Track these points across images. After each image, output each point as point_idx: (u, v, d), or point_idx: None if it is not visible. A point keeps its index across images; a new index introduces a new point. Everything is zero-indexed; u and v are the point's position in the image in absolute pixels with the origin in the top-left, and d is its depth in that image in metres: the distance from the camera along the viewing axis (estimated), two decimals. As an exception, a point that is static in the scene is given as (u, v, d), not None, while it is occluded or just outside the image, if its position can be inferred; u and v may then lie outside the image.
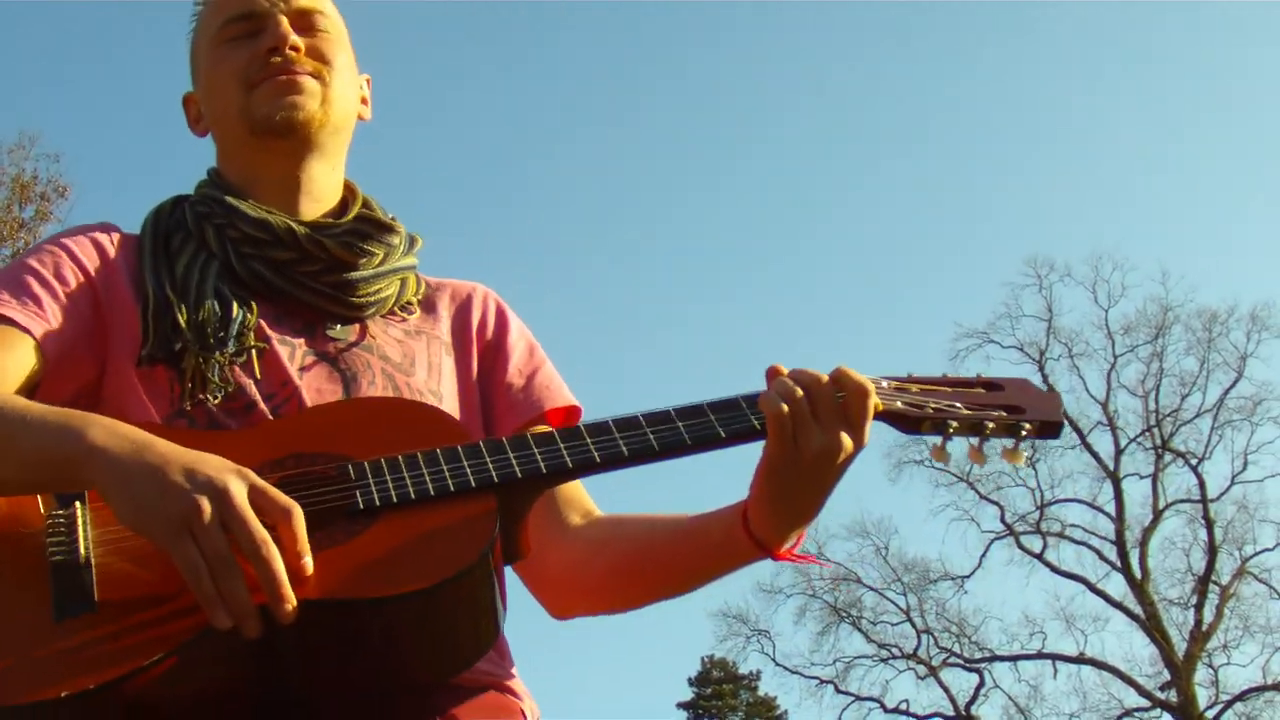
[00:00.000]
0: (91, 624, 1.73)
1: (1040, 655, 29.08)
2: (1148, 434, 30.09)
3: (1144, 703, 27.87)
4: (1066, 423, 2.32)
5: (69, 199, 20.64)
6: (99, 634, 1.71)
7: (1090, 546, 29.49)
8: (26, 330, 2.04)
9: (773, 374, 1.97)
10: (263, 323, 2.15)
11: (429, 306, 2.36)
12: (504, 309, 2.43)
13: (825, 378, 1.94)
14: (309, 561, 1.73)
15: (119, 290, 2.17)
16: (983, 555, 30.07)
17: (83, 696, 1.65)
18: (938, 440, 2.05)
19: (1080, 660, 28.58)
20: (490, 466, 1.91)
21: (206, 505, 1.68)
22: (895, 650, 30.24)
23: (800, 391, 1.92)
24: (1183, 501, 29.69)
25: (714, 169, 49.93)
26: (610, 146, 52.72)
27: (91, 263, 2.19)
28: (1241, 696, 27.31)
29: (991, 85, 48.44)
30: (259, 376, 2.10)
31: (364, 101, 2.43)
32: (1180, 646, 27.51)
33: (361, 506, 1.85)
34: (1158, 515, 29.35)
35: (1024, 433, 2.05)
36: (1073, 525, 29.96)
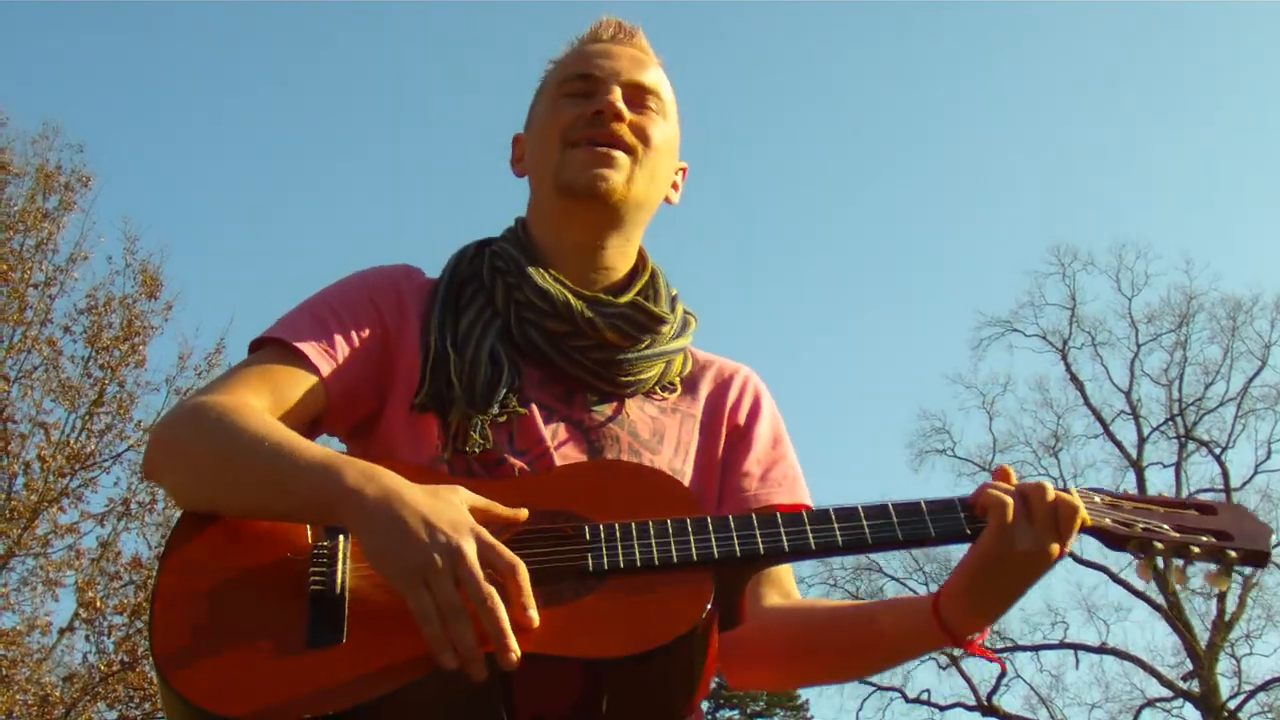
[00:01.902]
0: (337, 656, 1.90)
1: (1062, 645, 28.98)
2: (1171, 423, 29.98)
3: (1166, 693, 27.78)
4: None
5: (92, 189, 20.70)
6: (343, 664, 1.89)
7: (1113, 536, 29.37)
8: (315, 369, 2.23)
9: (1001, 474, 2.15)
10: (527, 386, 2.30)
11: (690, 385, 2.47)
12: (760, 396, 2.53)
13: (1052, 492, 2.11)
14: (534, 615, 1.88)
15: (408, 335, 2.34)
16: (1005, 545, 29.97)
17: None
18: (1143, 557, 2.15)
19: (1102, 650, 28.49)
20: (714, 543, 2.04)
21: (439, 559, 1.85)
22: (917, 640, 30.18)
23: (1026, 495, 2.10)
24: (1206, 490, 29.48)
25: (733, 154, 49.88)
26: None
27: (387, 305, 2.35)
28: (1265, 686, 27.18)
29: (1014, 73, 48.33)
30: (514, 436, 2.25)
31: (675, 187, 2.54)
32: (1203, 636, 27.41)
33: (590, 569, 1.99)
34: (1181, 505, 29.22)
35: (1229, 560, 2.14)
36: (1095, 515, 29.84)
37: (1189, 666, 27.32)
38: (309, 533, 2.06)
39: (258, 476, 2.03)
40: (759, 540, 2.06)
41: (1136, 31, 48.39)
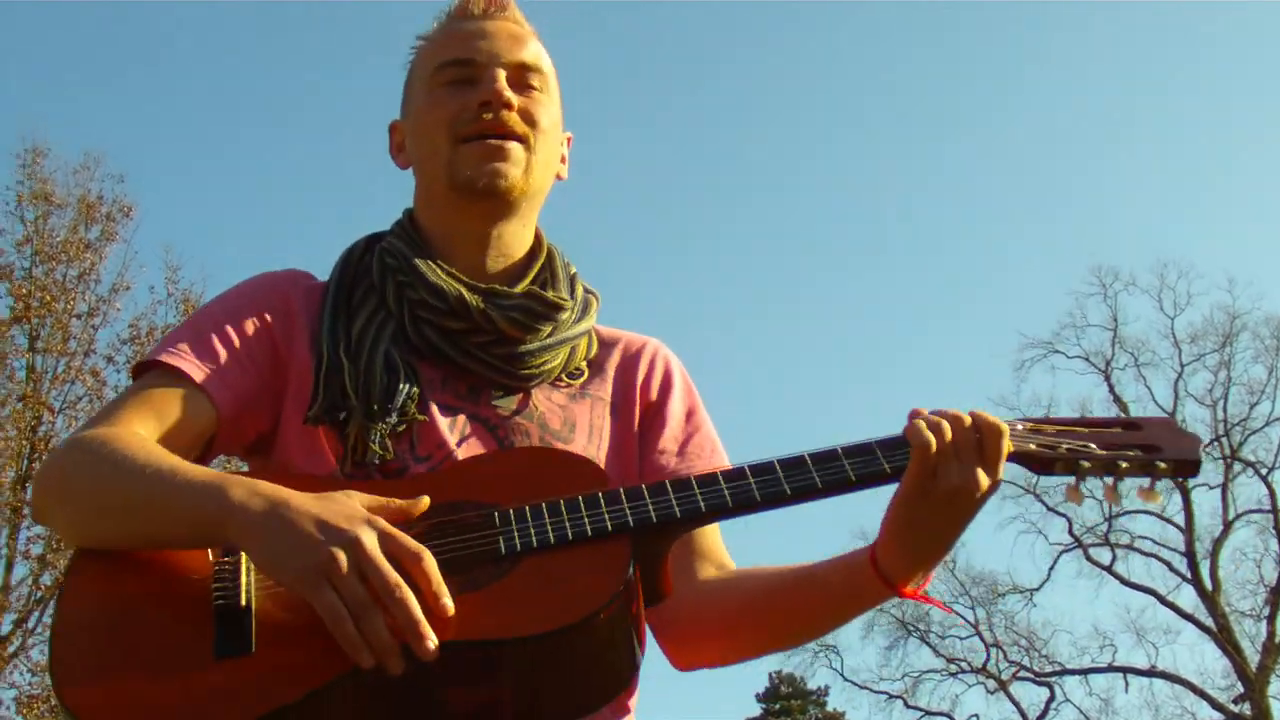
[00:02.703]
0: (248, 664, 1.86)
1: (1111, 668, 28.82)
2: (1216, 443, 29.72)
3: (1217, 716, 27.53)
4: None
5: (134, 219, 20.89)
6: (254, 673, 1.85)
7: (1160, 558, 29.21)
8: (201, 388, 2.16)
9: (915, 414, 2.03)
10: (427, 387, 2.22)
11: (598, 366, 2.39)
12: (671, 369, 2.45)
13: (966, 417, 2.01)
14: (448, 603, 1.84)
15: (299, 344, 2.25)
16: (1051, 567, 29.89)
17: None
18: (1071, 480, 2.08)
19: (1152, 673, 28.29)
20: (627, 511, 1.99)
21: (341, 555, 1.80)
22: (964, 664, 30.09)
23: (946, 426, 1.99)
24: (1253, 512, 29.35)
25: (776, 170, 49.91)
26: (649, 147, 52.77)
27: (275, 315, 2.27)
28: (1317, 709, 26.91)
29: (1055, 91, 48.20)
30: (415, 444, 2.18)
31: (563, 160, 2.44)
32: (1253, 658, 27.16)
33: (504, 552, 1.95)
34: (1228, 526, 29.01)
35: (1159, 471, 2.06)
36: (1142, 537, 29.70)
37: (1240, 689, 27.07)
38: (209, 550, 1.99)
39: (142, 504, 1.97)
40: (674, 504, 2.01)
41: (1180, 51, 48.24)
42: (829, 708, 40.64)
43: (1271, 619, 27.72)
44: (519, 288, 2.29)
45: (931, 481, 1.98)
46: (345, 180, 49.68)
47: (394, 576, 1.79)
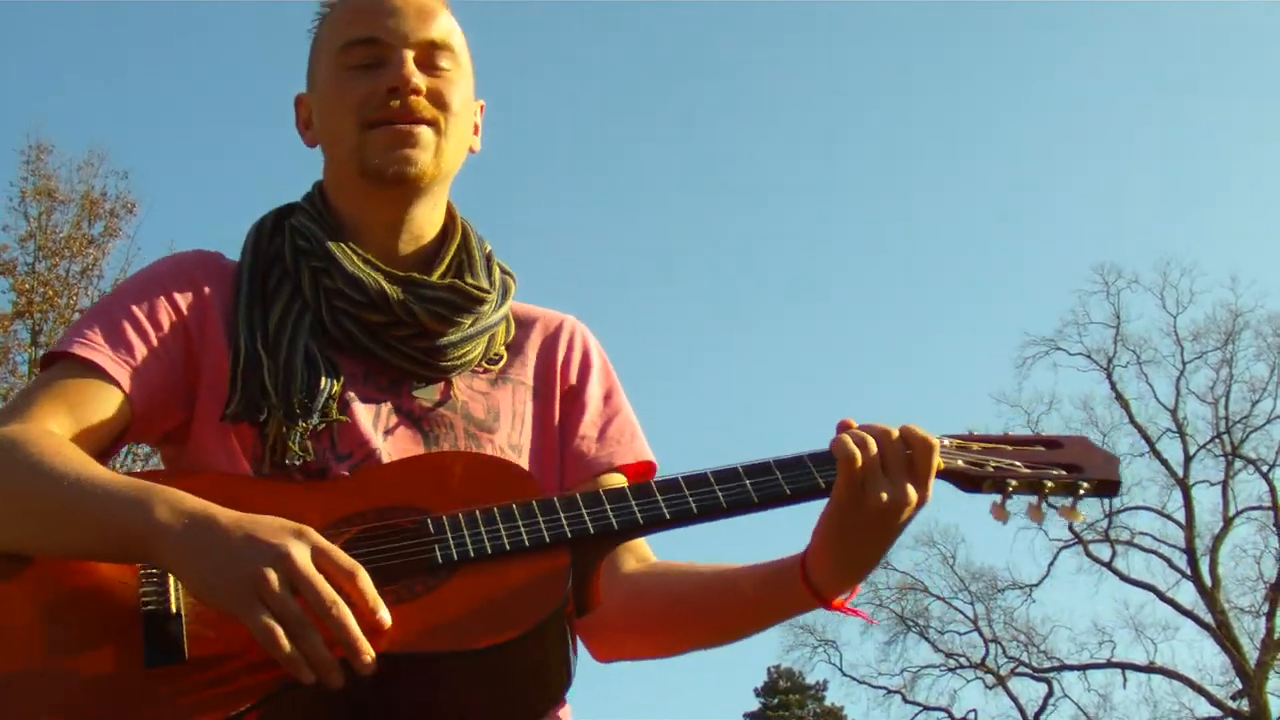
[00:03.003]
0: (181, 674, 1.79)
1: (1110, 664, 28.85)
2: (1217, 440, 29.81)
3: (1216, 712, 27.59)
4: (1122, 482, 2.35)
5: (137, 215, 20.85)
6: (187, 684, 1.78)
7: (1160, 554, 29.27)
8: (115, 381, 2.08)
9: (843, 426, 2.00)
10: (348, 382, 2.16)
11: (516, 348, 2.34)
12: (589, 350, 2.41)
13: (895, 431, 1.98)
14: (385, 616, 1.79)
15: (212, 331, 2.18)
16: (1051, 563, 29.93)
17: None
18: (998, 499, 2.07)
19: (1150, 669, 28.34)
20: (564, 522, 1.96)
21: (272, 573, 1.74)
22: (963, 659, 30.12)
23: (872, 441, 1.96)
24: (1253, 509, 29.40)
25: (778, 167, 49.89)
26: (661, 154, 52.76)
27: (186, 301, 2.19)
28: (1316, 706, 26.97)
29: (1059, 90, 48.16)
30: (336, 442, 2.12)
31: (475, 131, 2.37)
32: (1252, 655, 27.21)
33: (440, 561, 1.90)
34: (1228, 522, 29.06)
35: (1081, 491, 2.08)
36: (1142, 533, 29.74)
37: (1238, 685, 27.12)
38: None
39: (59, 515, 1.89)
40: (611, 515, 1.99)
41: (1184, 50, 48.21)
42: (827, 702, 40.68)
43: (1270, 616, 27.77)
44: (436, 274, 2.23)
45: (860, 496, 1.94)
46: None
47: (329, 592, 1.75)
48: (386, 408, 2.18)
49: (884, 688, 30.46)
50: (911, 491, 1.95)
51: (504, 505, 1.97)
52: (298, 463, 2.08)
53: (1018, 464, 2.10)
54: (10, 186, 20.31)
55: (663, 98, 52.36)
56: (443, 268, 2.25)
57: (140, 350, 2.12)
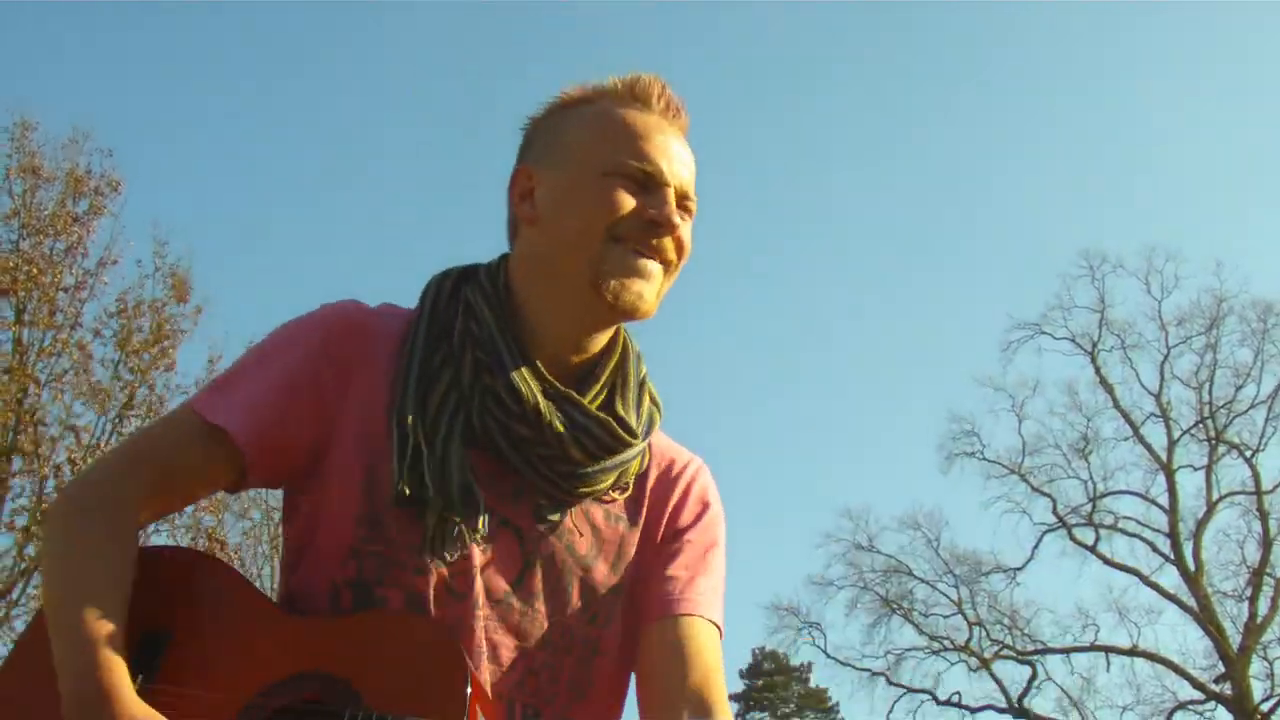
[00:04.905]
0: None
1: (1093, 648, 28.94)
2: (1201, 426, 29.90)
3: (1198, 695, 27.68)
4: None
5: (122, 193, 20.76)
6: None
7: (1143, 539, 29.36)
8: (231, 440, 2.13)
9: None
10: (480, 482, 2.14)
11: (640, 480, 2.32)
12: (707, 500, 2.38)
13: None
14: None
15: (356, 390, 2.19)
16: (1035, 547, 30.04)
17: None
18: None
19: (1133, 653, 28.43)
20: None
21: None
22: (947, 642, 30.19)
23: None
24: (1237, 493, 29.49)
25: (760, 153, 49.83)
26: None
27: (329, 365, 2.18)
28: (1297, 689, 27.06)
29: (1045, 75, 48.19)
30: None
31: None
32: (1235, 639, 27.30)
33: None
34: (1211, 507, 29.15)
35: None
36: (1126, 517, 29.85)
37: (1221, 669, 27.22)
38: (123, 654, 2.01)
39: (52, 632, 2.00)
40: None
41: (1165, 32, 48.24)
42: (811, 684, 40.89)
43: (1253, 600, 27.88)
44: (590, 394, 2.22)
45: None
46: (333, 152, 49.58)
47: None
48: (498, 517, 2.15)
49: (868, 670, 30.52)
50: None
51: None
52: (448, 556, 2.09)
53: None
54: (-6, 164, 20.23)
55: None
56: (597, 387, 2.24)
57: (266, 410, 2.15)
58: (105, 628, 1.97)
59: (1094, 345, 30.84)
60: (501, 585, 2.14)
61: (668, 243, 2.21)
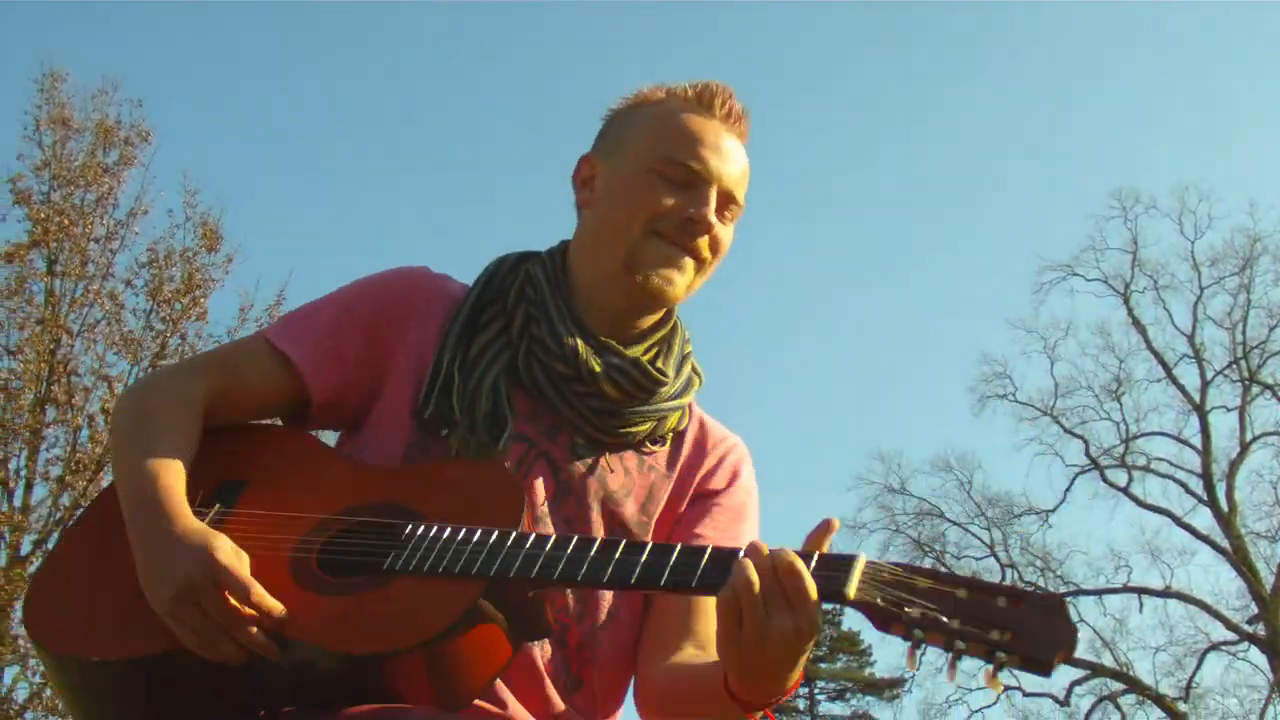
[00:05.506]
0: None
1: (1126, 589, 28.90)
2: (1234, 366, 29.70)
3: (1231, 636, 27.66)
4: (1058, 663, 2.02)
5: (152, 144, 20.76)
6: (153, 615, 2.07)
7: (1176, 480, 29.23)
8: (294, 367, 2.39)
9: (751, 550, 1.96)
10: (517, 417, 2.34)
11: (677, 442, 2.49)
12: (740, 470, 2.53)
13: (787, 560, 1.91)
14: (280, 617, 2.02)
15: (410, 339, 2.43)
16: (1067, 489, 29.90)
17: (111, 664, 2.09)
18: (907, 645, 1.89)
19: (1166, 594, 28.38)
20: (496, 561, 2.04)
21: (184, 594, 2.02)
22: (979, 585, 30.11)
23: (754, 576, 1.90)
24: (1270, 434, 29.33)
25: (797, 92, 49.57)
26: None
27: (387, 313, 2.44)
28: (1331, 629, 27.01)
29: (1076, 16, 47.72)
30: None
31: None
32: (1268, 580, 27.23)
33: (385, 567, 2.08)
34: (1245, 448, 29.01)
35: (1000, 661, 1.83)
36: (1158, 459, 29.70)
37: (1254, 610, 27.17)
38: (199, 497, 2.22)
39: (119, 477, 2.23)
40: (517, 561, 2.03)
41: (1199, -31, 47.65)
42: (844, 627, 40.96)
43: (1288, 542, 27.78)
44: (630, 352, 2.40)
45: (737, 628, 1.91)
46: (360, 99, 49.47)
47: (228, 611, 2.00)
48: (538, 449, 2.36)
49: (900, 613, 30.54)
50: (787, 622, 1.89)
51: (469, 530, 2.08)
52: None
53: (943, 617, 1.87)
54: (25, 115, 20.14)
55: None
56: (640, 349, 2.44)
57: (326, 346, 2.41)
58: (170, 465, 2.19)
59: (1126, 286, 30.62)
60: (538, 504, 2.32)
61: (703, 241, 2.40)
